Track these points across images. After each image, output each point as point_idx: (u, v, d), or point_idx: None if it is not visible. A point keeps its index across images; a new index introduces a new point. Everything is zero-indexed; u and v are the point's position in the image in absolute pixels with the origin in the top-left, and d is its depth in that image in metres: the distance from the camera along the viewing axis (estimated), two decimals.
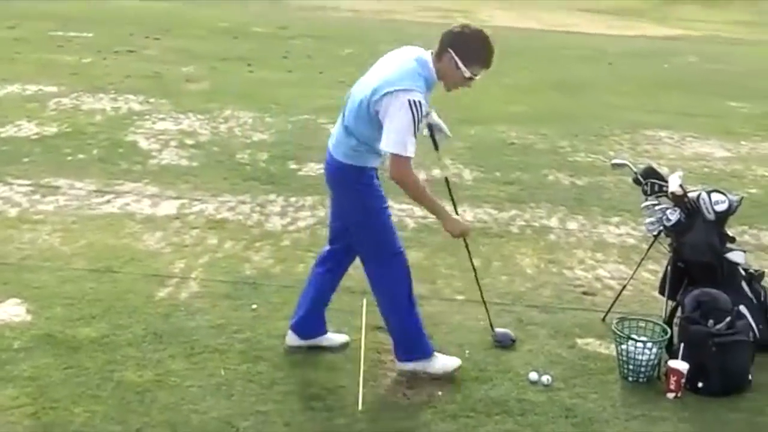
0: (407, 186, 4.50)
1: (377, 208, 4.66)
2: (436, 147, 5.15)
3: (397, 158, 4.38)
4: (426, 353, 4.83)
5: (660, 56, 21.23)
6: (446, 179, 5.49)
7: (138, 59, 15.45)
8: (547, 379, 4.84)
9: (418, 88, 4.36)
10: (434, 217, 4.87)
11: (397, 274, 4.72)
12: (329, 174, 4.72)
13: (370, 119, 4.44)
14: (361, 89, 4.52)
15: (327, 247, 5.04)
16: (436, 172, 7.90)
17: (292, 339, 5.06)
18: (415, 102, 4.30)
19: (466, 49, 4.46)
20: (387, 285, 4.76)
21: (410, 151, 4.37)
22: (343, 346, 5.10)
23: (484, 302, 5.40)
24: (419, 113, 4.32)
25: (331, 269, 5.02)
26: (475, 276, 5.43)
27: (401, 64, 4.47)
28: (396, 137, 4.33)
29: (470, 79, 4.52)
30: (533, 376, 4.86)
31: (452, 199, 5.34)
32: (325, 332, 5.10)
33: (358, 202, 4.66)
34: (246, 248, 6.60)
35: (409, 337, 4.82)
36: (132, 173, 8.35)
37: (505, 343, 5.23)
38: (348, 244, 4.86)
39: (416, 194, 4.61)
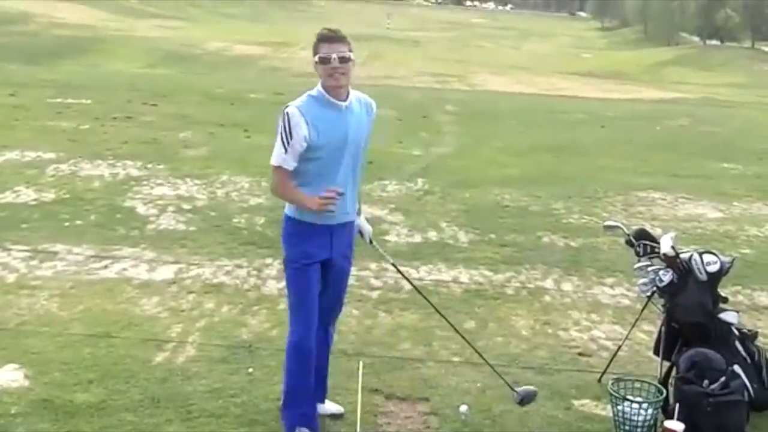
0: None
1: None
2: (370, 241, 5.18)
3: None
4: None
5: (653, 119, 21.48)
6: (393, 264, 5.58)
7: (136, 125, 15.60)
8: None
9: (296, 102, 4.53)
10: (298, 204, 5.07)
11: None
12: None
13: None
14: None
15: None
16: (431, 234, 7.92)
17: None
18: (285, 113, 4.50)
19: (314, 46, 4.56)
20: None
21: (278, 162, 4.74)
22: (335, 416, 5.03)
23: (490, 365, 5.39)
24: (286, 123, 4.50)
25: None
26: (464, 338, 5.57)
27: None
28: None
29: (322, 62, 4.49)
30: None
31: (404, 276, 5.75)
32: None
33: None
34: (242, 312, 6.62)
35: None
36: (129, 238, 8.40)
37: (529, 399, 5.12)
38: None
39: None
